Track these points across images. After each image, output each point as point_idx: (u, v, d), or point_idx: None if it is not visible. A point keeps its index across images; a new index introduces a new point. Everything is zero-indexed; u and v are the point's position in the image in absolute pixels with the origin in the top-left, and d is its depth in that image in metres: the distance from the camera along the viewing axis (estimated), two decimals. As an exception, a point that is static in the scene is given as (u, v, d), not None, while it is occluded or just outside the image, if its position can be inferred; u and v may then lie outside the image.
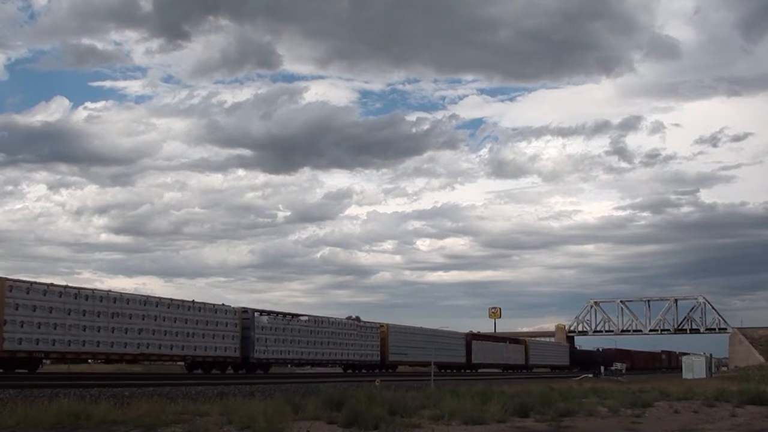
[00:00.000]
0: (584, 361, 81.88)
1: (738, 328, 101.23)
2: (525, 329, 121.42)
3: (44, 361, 30.14)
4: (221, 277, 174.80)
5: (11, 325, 25.52)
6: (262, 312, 39.37)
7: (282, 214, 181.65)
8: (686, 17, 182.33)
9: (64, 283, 28.49)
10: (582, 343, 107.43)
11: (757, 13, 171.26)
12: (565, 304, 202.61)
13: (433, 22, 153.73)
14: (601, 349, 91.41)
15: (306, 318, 43.20)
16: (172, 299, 33.61)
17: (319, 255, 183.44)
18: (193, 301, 34.59)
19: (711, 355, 69.05)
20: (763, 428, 15.47)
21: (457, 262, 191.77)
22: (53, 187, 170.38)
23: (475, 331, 73.26)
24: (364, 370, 46.42)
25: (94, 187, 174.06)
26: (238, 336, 36.52)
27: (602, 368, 67.51)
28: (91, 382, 21.15)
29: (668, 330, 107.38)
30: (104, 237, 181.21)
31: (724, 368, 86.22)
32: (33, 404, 13.06)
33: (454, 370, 57.98)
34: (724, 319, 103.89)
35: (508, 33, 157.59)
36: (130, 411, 13.21)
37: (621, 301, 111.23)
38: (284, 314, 41.40)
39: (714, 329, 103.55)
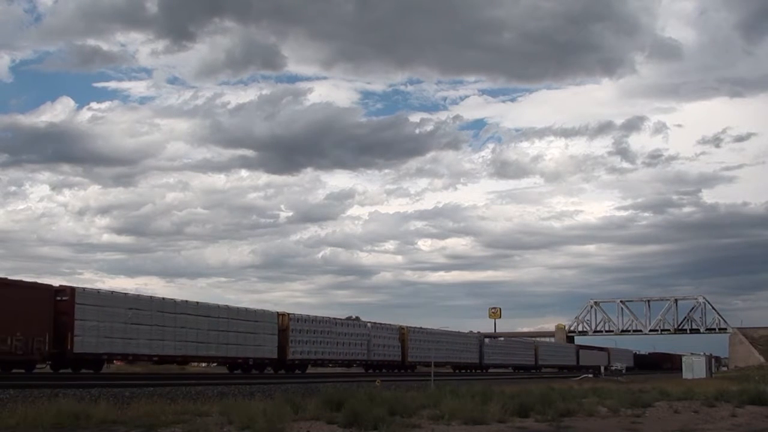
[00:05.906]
0: (639, 363, 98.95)
1: (738, 328, 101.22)
2: (525, 329, 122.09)
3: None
4: (222, 277, 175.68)
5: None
6: (486, 335, 65.85)
7: (284, 215, 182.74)
8: (688, 19, 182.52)
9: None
10: (582, 343, 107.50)
11: (758, 15, 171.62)
12: (566, 304, 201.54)
13: (438, 24, 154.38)
14: (649, 353, 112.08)
15: (502, 339, 73.87)
16: (449, 330, 61.51)
17: (320, 255, 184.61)
18: (458, 332, 64.21)
19: (711, 354, 69.14)
20: (763, 428, 15.46)
21: (459, 262, 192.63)
22: (56, 187, 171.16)
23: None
24: (522, 371, 69.55)
25: (97, 188, 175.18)
26: (477, 350, 64.77)
27: (602, 368, 68.18)
28: (91, 382, 21.15)
29: (668, 330, 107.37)
30: (106, 237, 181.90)
31: (724, 368, 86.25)
32: (33, 404, 13.05)
33: (566, 371, 76.30)
34: (724, 319, 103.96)
35: (512, 35, 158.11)
36: (130, 411, 13.19)
37: (621, 301, 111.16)
38: (495, 336, 68.70)
39: (714, 329, 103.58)
